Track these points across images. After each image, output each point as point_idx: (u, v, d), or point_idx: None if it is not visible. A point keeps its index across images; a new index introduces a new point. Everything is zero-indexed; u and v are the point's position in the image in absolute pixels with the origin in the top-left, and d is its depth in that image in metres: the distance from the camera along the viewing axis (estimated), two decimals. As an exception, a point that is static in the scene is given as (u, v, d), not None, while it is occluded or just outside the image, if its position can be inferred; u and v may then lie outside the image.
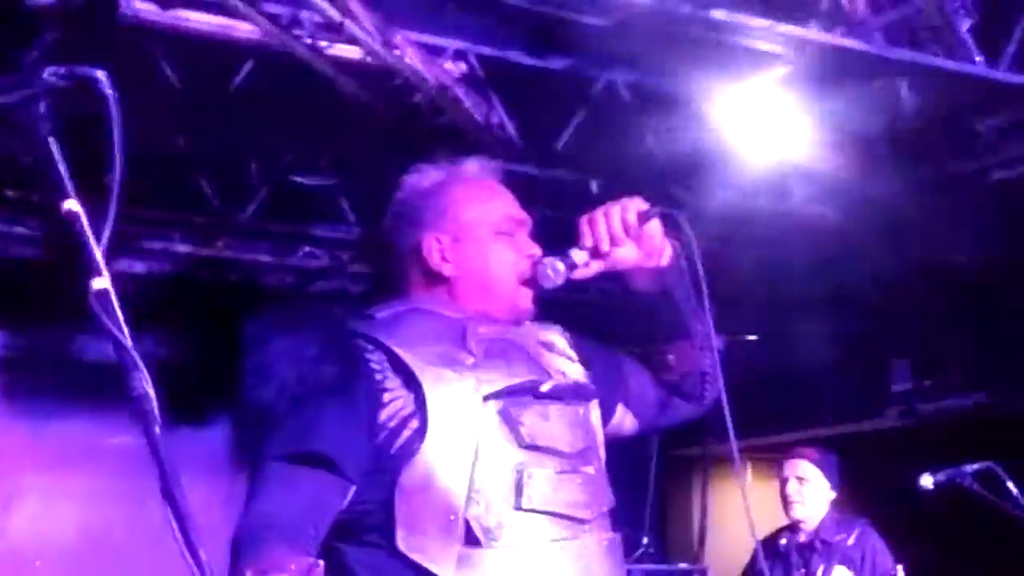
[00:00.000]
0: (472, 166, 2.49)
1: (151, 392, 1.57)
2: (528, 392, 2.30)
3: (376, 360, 2.23)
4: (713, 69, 5.14)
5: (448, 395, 2.22)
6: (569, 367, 2.46)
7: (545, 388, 2.33)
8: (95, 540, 6.86)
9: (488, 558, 2.17)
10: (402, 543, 2.16)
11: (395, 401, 2.21)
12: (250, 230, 6.44)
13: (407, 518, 2.17)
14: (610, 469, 2.44)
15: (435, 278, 2.39)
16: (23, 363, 6.81)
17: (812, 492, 4.96)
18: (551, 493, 2.25)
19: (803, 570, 4.92)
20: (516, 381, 2.29)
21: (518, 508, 2.21)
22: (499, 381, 2.27)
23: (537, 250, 2.43)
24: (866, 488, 6.42)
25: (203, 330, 6.54)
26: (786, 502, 4.97)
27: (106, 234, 1.58)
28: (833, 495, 5.00)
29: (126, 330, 1.57)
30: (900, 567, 4.71)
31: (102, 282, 1.55)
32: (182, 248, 6.55)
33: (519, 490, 2.22)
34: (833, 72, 5.12)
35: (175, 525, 1.53)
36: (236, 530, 2.19)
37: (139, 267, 6.45)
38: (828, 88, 5.22)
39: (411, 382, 2.22)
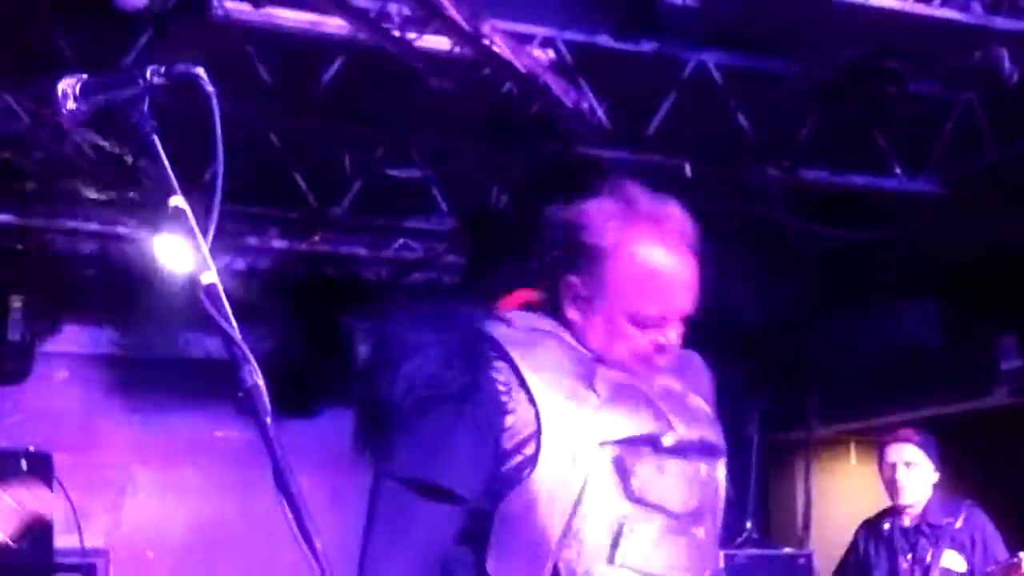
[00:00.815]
0: (670, 222, 2.26)
1: (262, 384, 1.59)
2: (648, 443, 2.21)
3: (504, 376, 2.17)
4: (805, 46, 5.07)
5: (565, 432, 2.15)
6: (700, 420, 2.34)
7: (667, 442, 2.23)
8: (205, 531, 6.98)
9: None
10: (491, 565, 2.14)
11: (515, 424, 2.16)
12: (345, 224, 6.49)
13: (500, 543, 2.14)
14: None
15: (573, 312, 2.28)
16: (133, 360, 6.95)
17: (919, 476, 4.88)
18: (651, 551, 2.18)
19: (910, 554, 4.85)
20: (637, 431, 2.20)
21: (611, 562, 2.15)
22: (620, 428, 2.19)
23: (671, 339, 2.28)
24: (976, 469, 6.31)
25: (301, 324, 6.62)
26: (894, 487, 4.89)
27: (211, 230, 1.61)
28: (936, 477, 4.91)
29: (235, 323, 1.59)
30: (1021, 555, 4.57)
31: (210, 276, 1.57)
32: (279, 243, 6.63)
33: (615, 543, 2.15)
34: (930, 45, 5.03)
35: (290, 516, 1.55)
36: (362, 566, 2.16)
37: (239, 263, 6.54)
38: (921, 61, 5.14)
39: (532, 407, 2.16)
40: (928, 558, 4.80)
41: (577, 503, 2.14)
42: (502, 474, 2.15)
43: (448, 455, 2.14)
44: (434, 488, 2.13)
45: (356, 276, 6.76)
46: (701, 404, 2.38)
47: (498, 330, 2.24)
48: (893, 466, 4.89)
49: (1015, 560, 4.54)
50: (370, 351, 2.31)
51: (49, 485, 6.20)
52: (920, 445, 4.91)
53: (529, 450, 2.14)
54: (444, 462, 2.14)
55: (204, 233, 1.60)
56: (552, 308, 2.29)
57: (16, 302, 6.22)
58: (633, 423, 2.21)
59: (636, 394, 2.26)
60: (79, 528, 6.44)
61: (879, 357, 6.89)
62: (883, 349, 6.88)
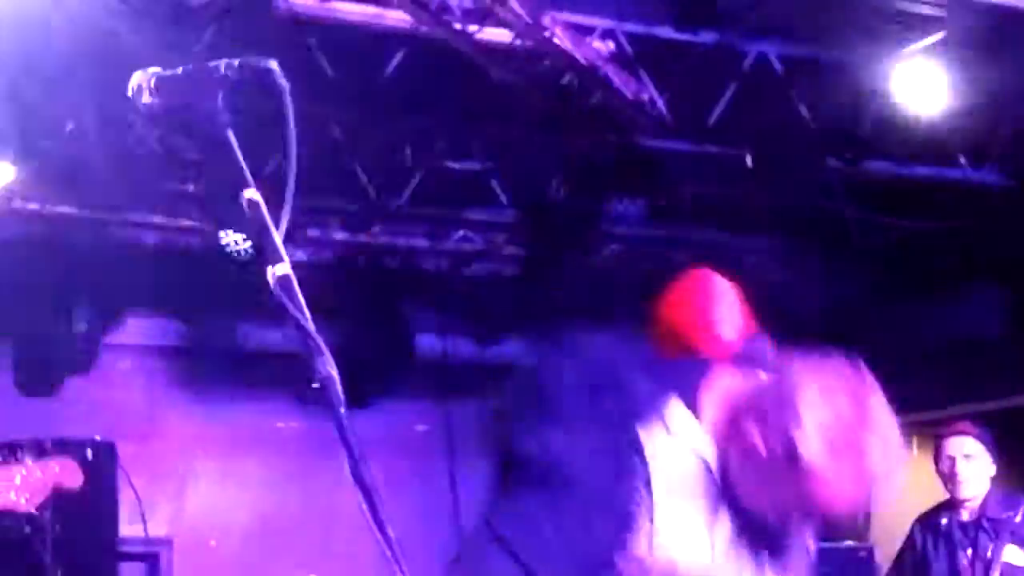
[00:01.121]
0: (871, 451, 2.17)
1: (335, 374, 1.60)
2: None
3: (640, 493, 2.19)
4: (868, 35, 5.02)
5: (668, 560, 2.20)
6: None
7: None
8: (267, 520, 7.04)
9: None
10: None
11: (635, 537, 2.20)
12: (405, 215, 6.51)
13: None
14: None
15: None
16: (195, 352, 7.01)
17: (978, 469, 4.81)
18: None
19: (970, 549, 4.78)
20: None
21: None
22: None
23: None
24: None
25: (360, 315, 6.65)
26: (953, 481, 4.82)
27: (284, 221, 1.62)
28: (994, 470, 4.85)
29: (308, 314, 1.60)
30: None
31: (283, 268, 1.58)
32: (339, 235, 6.66)
33: None
34: (994, 34, 4.96)
35: (364, 504, 1.56)
36: None
37: (300, 255, 6.58)
38: (987, 51, 5.07)
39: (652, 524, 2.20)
40: (989, 553, 4.74)
41: None
42: None
43: (572, 545, 2.17)
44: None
45: (416, 267, 6.79)
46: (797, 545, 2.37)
47: (657, 436, 2.21)
48: (952, 459, 4.82)
49: None
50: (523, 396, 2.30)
51: (114, 474, 6.30)
52: (978, 438, 4.85)
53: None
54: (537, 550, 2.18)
55: (276, 225, 1.61)
56: (730, 410, 2.24)
57: (81, 294, 6.30)
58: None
59: (747, 557, 2.26)
60: (143, 517, 6.52)
61: (942, 348, 6.81)
62: (946, 340, 6.81)
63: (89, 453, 6.14)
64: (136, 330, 6.89)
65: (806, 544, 2.39)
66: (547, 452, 2.19)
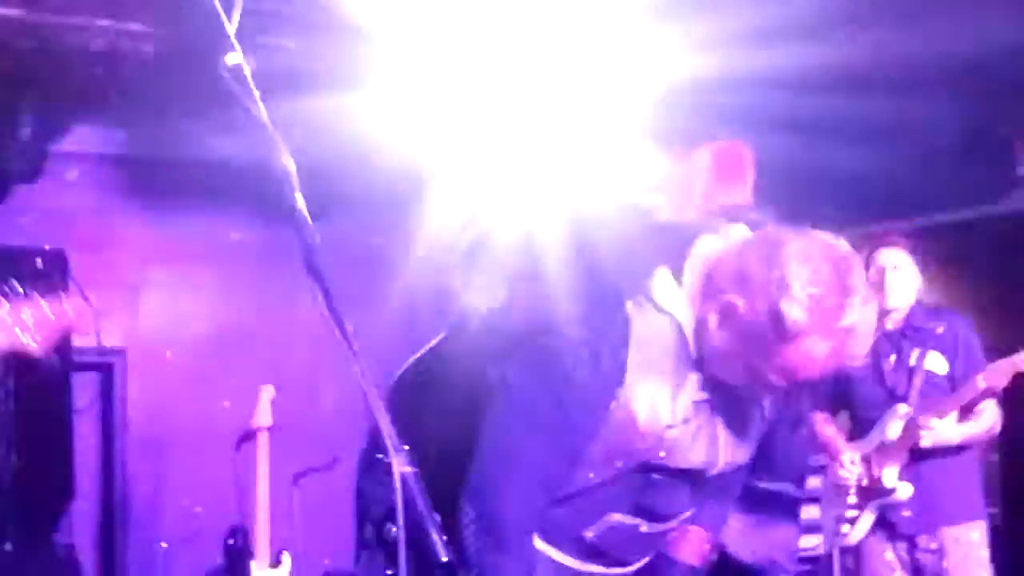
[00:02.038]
0: (848, 347, 2.23)
1: (292, 168, 1.57)
2: (687, 476, 2.41)
3: (624, 359, 2.25)
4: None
5: (616, 435, 2.29)
6: (747, 439, 2.46)
7: (709, 473, 2.43)
8: (222, 332, 7.05)
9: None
10: None
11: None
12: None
13: None
14: None
15: (717, 334, 2.28)
16: (147, 161, 6.91)
17: (905, 281, 4.90)
18: (625, 545, 2.46)
19: (894, 356, 4.91)
20: (685, 464, 2.37)
21: (582, 545, 2.42)
22: (672, 458, 2.35)
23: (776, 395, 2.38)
24: (989, 273, 6.34)
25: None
26: (881, 291, 4.92)
27: (236, 11, 1.57)
28: (920, 283, 4.94)
29: (261, 105, 1.57)
30: None
31: (235, 57, 1.54)
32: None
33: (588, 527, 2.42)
34: None
35: (321, 297, 1.56)
36: (503, 510, 2.25)
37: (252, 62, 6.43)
38: None
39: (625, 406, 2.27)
40: (912, 360, 4.87)
41: (594, 487, 2.35)
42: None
43: (564, 411, 2.25)
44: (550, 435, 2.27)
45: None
46: (755, 415, 2.47)
47: (639, 308, 2.27)
48: (881, 269, 4.91)
49: (1019, 357, 4.60)
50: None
51: (65, 283, 6.26)
52: (908, 250, 4.92)
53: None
54: (561, 414, 2.25)
55: (228, 14, 1.56)
56: (708, 286, 2.29)
57: (25, 99, 6.15)
58: (683, 457, 2.36)
59: (705, 421, 2.36)
60: (97, 327, 6.52)
61: (893, 159, 6.82)
62: (898, 151, 6.81)
63: (39, 262, 6.09)
64: (85, 138, 6.76)
65: (764, 414, 2.46)
66: (546, 319, 2.26)
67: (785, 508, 2.71)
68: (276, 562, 5.58)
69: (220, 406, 6.60)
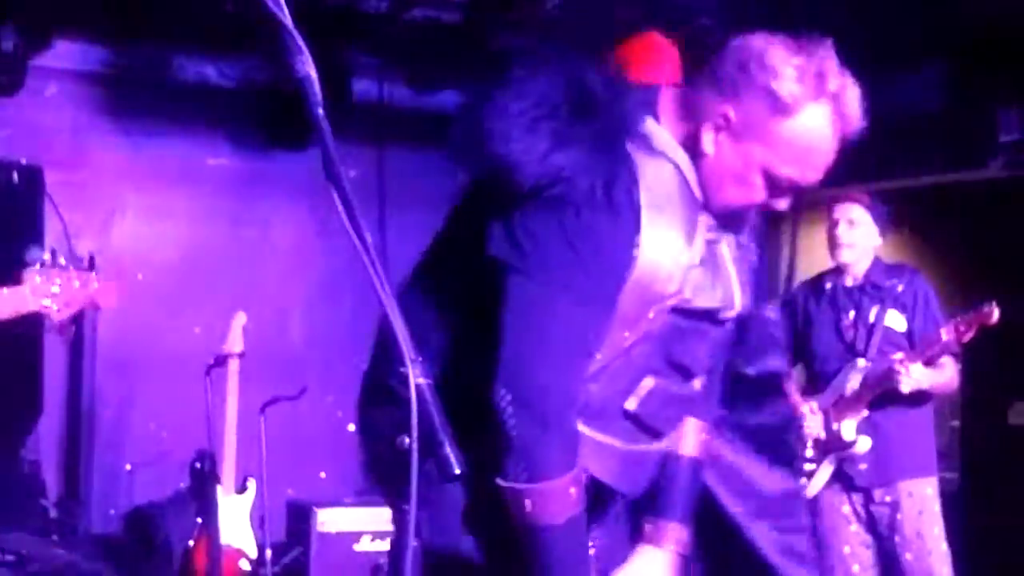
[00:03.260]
0: (845, 111, 2.29)
1: (314, 75, 1.57)
2: (708, 317, 2.38)
3: (635, 212, 2.21)
4: None
5: (655, 278, 2.24)
6: (750, 283, 2.49)
7: (724, 316, 2.42)
8: (195, 257, 7.04)
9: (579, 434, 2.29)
10: None
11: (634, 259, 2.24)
12: (347, -47, 6.31)
13: None
14: None
15: (709, 143, 2.29)
16: (126, 81, 6.85)
17: (860, 236, 4.92)
18: (658, 409, 2.40)
19: (853, 312, 4.94)
20: (707, 304, 2.35)
21: (623, 407, 2.35)
22: (697, 298, 2.32)
23: (781, 207, 2.36)
24: (972, 238, 6.36)
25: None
26: (834, 244, 4.96)
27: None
28: (879, 242, 4.97)
29: (287, 11, 1.56)
30: (994, 303, 4.66)
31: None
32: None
33: (632, 390, 2.35)
34: None
35: (340, 205, 1.55)
36: (546, 399, 2.19)
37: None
38: None
39: (638, 248, 2.23)
40: (872, 317, 4.90)
41: (629, 348, 2.28)
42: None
43: (591, 274, 2.18)
44: (583, 308, 2.21)
45: (355, 8, 6.61)
46: (751, 263, 2.52)
47: (638, 153, 2.25)
48: (836, 223, 4.94)
49: (987, 309, 4.63)
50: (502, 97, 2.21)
51: (41, 199, 6.24)
52: (867, 207, 4.94)
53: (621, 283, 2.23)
54: (588, 280, 2.19)
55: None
56: (686, 132, 2.30)
57: (8, 12, 6.09)
58: (707, 296, 2.34)
59: (720, 261, 2.37)
60: (70, 246, 6.49)
61: (876, 121, 6.81)
62: (881, 113, 6.80)
63: (15, 176, 6.07)
64: (65, 54, 6.70)
65: (754, 265, 2.55)
66: (549, 170, 2.17)
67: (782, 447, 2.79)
68: (242, 488, 5.61)
69: (189, 330, 6.61)
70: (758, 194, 2.30)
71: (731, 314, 2.43)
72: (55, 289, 3.12)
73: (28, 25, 6.22)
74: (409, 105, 7.13)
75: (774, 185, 2.29)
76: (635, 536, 2.55)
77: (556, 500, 2.16)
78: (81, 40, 6.70)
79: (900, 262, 5.24)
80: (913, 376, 4.70)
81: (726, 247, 2.41)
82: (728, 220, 2.39)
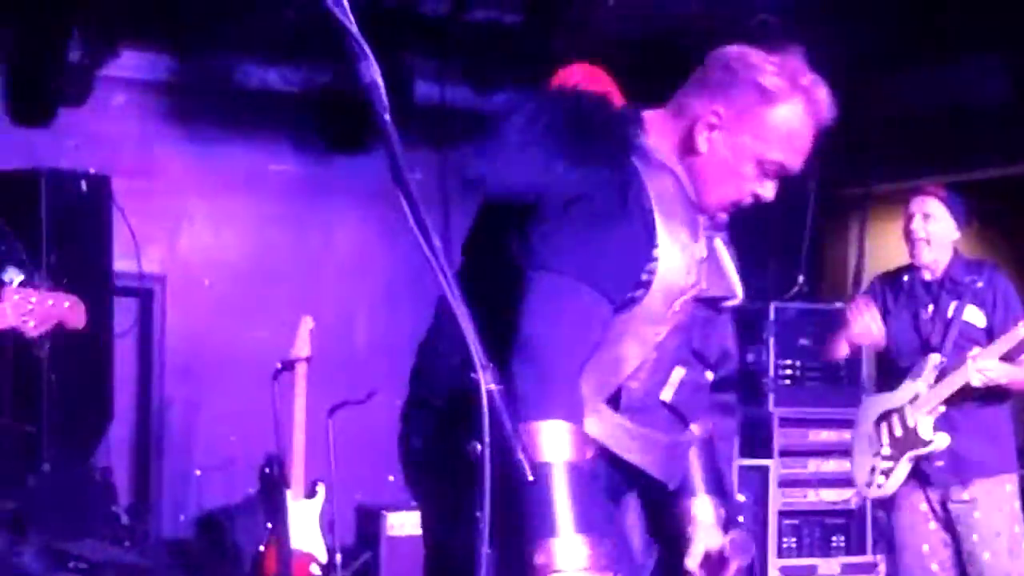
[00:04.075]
0: (818, 101, 2.49)
1: (379, 80, 1.56)
2: (713, 306, 2.56)
3: (648, 215, 2.38)
4: None
5: (674, 275, 2.41)
6: (738, 284, 2.66)
7: (728, 304, 2.61)
8: (260, 262, 7.09)
9: (615, 421, 2.44)
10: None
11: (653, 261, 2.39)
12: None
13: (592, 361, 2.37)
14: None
15: (703, 142, 2.47)
16: (191, 89, 6.91)
17: (936, 230, 4.82)
18: (689, 396, 2.55)
19: (932, 306, 4.85)
20: (717, 292, 2.55)
21: (661, 398, 2.50)
22: (709, 288, 2.50)
23: (767, 194, 2.51)
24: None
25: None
26: (910, 239, 4.86)
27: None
28: (957, 236, 4.86)
29: (350, 15, 1.55)
30: None
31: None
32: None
33: (666, 381, 2.50)
34: None
35: (407, 208, 1.54)
36: (547, 356, 2.27)
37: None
38: None
39: (656, 246, 2.39)
40: (950, 312, 4.81)
41: (660, 344, 2.44)
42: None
43: (605, 267, 2.33)
44: (593, 291, 2.33)
45: (415, 10, 6.61)
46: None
47: (638, 154, 2.44)
48: (911, 216, 4.85)
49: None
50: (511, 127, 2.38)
51: (109, 208, 6.30)
52: (943, 200, 4.85)
53: (641, 290, 2.39)
54: (602, 271, 2.32)
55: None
56: (679, 139, 2.49)
57: (76, 23, 6.15)
58: (717, 286, 2.54)
59: (718, 255, 2.58)
60: (138, 253, 6.56)
61: (942, 113, 6.72)
62: (946, 105, 6.70)
63: (84, 185, 6.13)
64: (131, 64, 6.77)
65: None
66: (567, 187, 2.31)
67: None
68: (311, 492, 5.63)
69: (256, 335, 6.64)
70: (749, 184, 2.49)
71: (734, 303, 2.62)
72: (30, 307, 3.28)
73: (94, 36, 6.28)
74: (470, 106, 7.12)
75: (764, 172, 2.48)
76: (655, 524, 2.72)
77: (557, 439, 2.20)
78: (146, 50, 6.76)
79: (980, 258, 5.13)
80: (986, 370, 4.61)
81: (720, 243, 2.62)
82: (714, 222, 2.59)
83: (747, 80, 2.45)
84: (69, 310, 3.35)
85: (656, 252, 2.38)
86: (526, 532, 2.13)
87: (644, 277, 2.38)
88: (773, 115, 2.45)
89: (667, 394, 2.50)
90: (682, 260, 2.42)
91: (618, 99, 2.77)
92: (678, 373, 2.51)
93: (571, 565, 2.11)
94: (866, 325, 4.87)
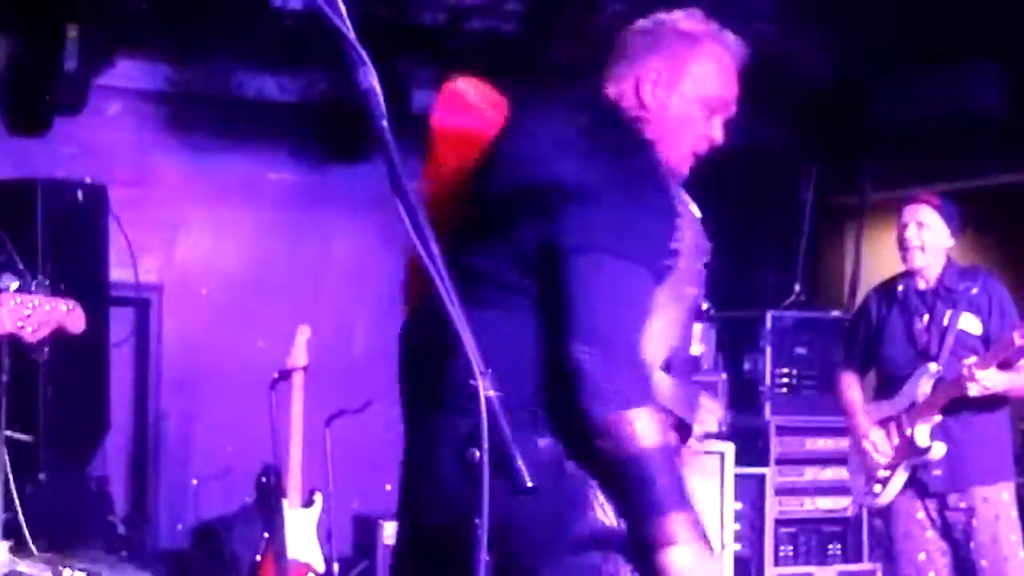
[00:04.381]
0: (732, 41, 2.64)
1: (377, 87, 1.56)
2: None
3: (666, 183, 2.49)
4: None
5: (691, 241, 2.50)
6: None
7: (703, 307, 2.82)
8: (258, 272, 7.08)
9: (671, 384, 2.49)
10: None
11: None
12: (403, -34, 6.32)
13: None
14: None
15: (650, 96, 2.57)
16: (185, 98, 6.91)
17: (930, 238, 4.83)
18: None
19: (927, 315, 4.85)
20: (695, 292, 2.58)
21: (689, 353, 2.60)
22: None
23: (718, 135, 2.62)
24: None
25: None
26: (904, 247, 4.87)
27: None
28: (951, 243, 4.87)
29: (348, 23, 1.55)
30: None
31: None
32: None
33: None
34: None
35: (406, 217, 1.54)
36: (618, 341, 2.32)
37: (293, 2, 6.41)
38: None
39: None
40: (946, 320, 4.81)
41: (683, 323, 2.52)
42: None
43: (648, 241, 2.39)
44: (639, 267, 2.38)
45: (412, 20, 6.62)
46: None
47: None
48: (905, 225, 4.86)
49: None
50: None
51: (105, 217, 6.30)
52: (937, 208, 4.85)
53: (676, 249, 2.47)
54: (645, 246, 2.39)
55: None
56: (628, 102, 2.57)
57: (72, 32, 6.15)
58: (695, 282, 2.58)
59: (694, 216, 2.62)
60: (134, 263, 6.56)
61: (939, 121, 6.72)
62: (943, 113, 6.71)
63: (80, 194, 6.13)
64: (128, 73, 6.77)
65: None
66: (590, 176, 2.38)
67: None
68: (308, 501, 5.62)
69: (253, 345, 6.64)
70: (701, 127, 2.60)
71: (708, 258, 2.66)
72: (27, 312, 3.28)
73: (90, 45, 6.28)
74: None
75: (712, 110, 2.60)
76: None
77: (647, 425, 2.26)
78: (143, 59, 6.76)
79: (973, 264, 5.14)
80: (984, 380, 4.61)
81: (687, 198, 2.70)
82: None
83: (669, 32, 2.60)
84: (67, 314, 3.35)
85: (679, 221, 2.48)
86: (636, 514, 2.24)
87: (675, 245, 2.46)
88: (702, 54, 2.59)
89: (696, 348, 2.65)
90: (695, 220, 2.56)
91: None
92: (698, 327, 2.66)
93: (687, 538, 2.21)
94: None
